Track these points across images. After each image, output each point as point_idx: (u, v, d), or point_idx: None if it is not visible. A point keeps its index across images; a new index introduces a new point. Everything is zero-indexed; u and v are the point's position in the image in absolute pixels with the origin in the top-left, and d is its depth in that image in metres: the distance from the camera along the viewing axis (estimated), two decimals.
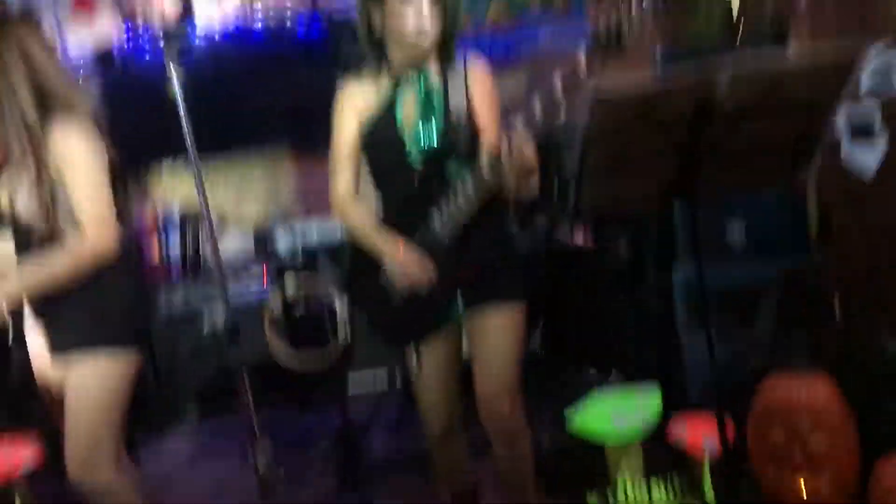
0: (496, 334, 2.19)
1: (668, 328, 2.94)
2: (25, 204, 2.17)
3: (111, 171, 2.25)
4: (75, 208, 2.16)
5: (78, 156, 2.15)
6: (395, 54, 2.15)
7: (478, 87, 2.16)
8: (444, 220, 2.09)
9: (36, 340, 2.38)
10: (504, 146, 1.92)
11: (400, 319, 2.21)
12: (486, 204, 2.07)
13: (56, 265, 2.17)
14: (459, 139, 2.08)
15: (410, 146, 2.13)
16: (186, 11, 3.89)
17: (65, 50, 3.77)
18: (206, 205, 2.77)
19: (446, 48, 2.15)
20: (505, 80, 4.48)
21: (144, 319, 2.36)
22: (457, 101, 2.11)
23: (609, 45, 1.82)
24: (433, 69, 2.16)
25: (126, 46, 4.14)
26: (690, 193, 1.87)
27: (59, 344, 2.25)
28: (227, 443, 3.94)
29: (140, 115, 4.72)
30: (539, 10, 4.43)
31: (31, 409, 3.50)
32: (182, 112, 2.62)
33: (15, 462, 2.88)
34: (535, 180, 2.03)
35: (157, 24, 3.87)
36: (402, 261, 2.12)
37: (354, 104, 2.20)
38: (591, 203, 1.84)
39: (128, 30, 4.00)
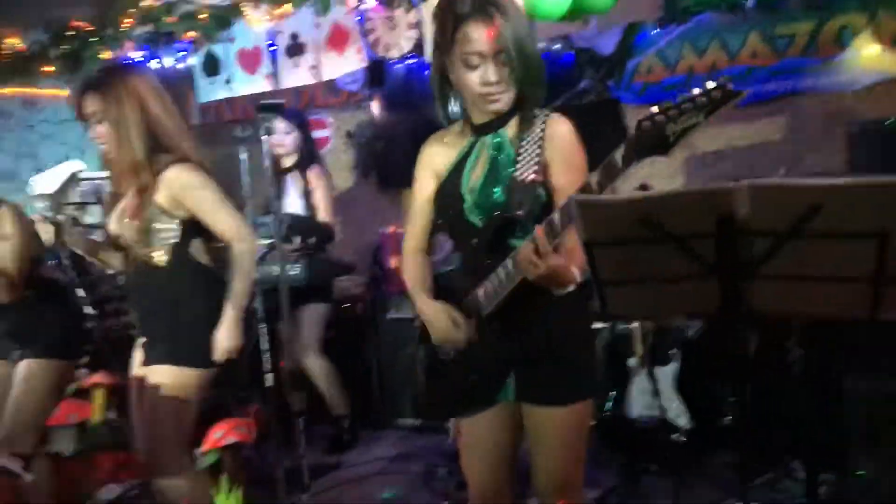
0: (551, 435, 2.05)
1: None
2: (123, 227, 2.59)
3: None
4: (211, 227, 2.57)
5: (195, 186, 2.54)
6: (472, 113, 2.09)
7: (556, 149, 2.00)
8: (489, 289, 2.00)
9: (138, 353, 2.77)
10: (524, 249, 1.83)
11: (445, 389, 2.15)
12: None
13: (241, 275, 2.58)
14: (522, 204, 1.95)
15: (471, 206, 2.05)
16: (419, 46, 4.08)
17: (321, 74, 4.18)
18: None
19: (524, 108, 2.04)
20: (758, 121, 4.12)
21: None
22: (528, 163, 1.98)
23: (648, 148, 1.62)
24: (511, 129, 2.05)
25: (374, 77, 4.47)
26: (742, 313, 1.61)
27: (146, 359, 2.65)
28: (424, 454, 4.15)
29: (394, 134, 5.07)
30: (802, 49, 3.93)
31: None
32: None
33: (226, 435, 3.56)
34: (565, 279, 1.87)
35: (395, 57, 4.13)
36: (436, 330, 2.06)
37: (432, 161, 2.17)
38: (617, 310, 1.67)
39: (371, 60, 4.32)
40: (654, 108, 1.62)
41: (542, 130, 2.01)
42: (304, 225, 4.05)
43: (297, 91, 5.32)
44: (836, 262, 1.47)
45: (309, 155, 4.36)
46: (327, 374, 4.33)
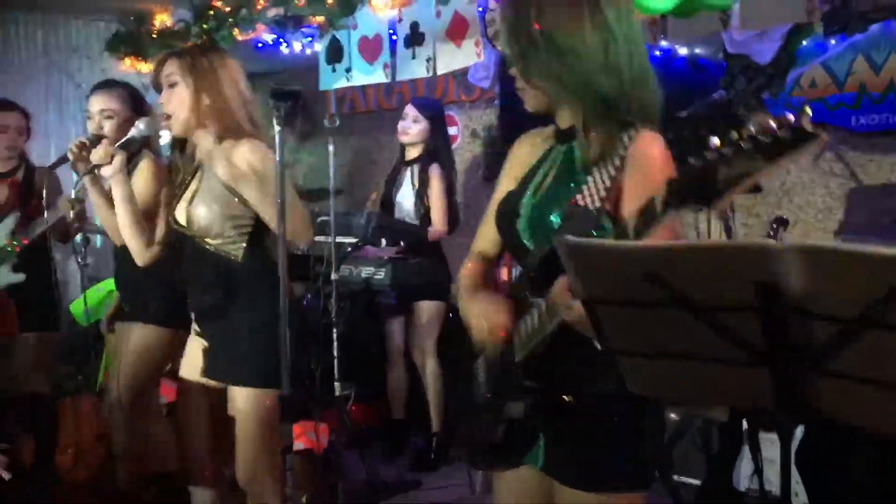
0: None
1: None
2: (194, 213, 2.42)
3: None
4: (260, 213, 2.35)
5: (253, 169, 2.32)
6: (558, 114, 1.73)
7: (636, 173, 1.58)
8: (522, 331, 1.62)
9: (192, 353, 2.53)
10: (559, 284, 1.45)
11: (475, 436, 1.80)
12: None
13: None
14: (580, 235, 1.56)
15: (525, 225, 1.70)
16: None
17: (435, 67, 3.92)
18: None
19: (604, 119, 1.63)
20: None
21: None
22: (597, 187, 1.58)
23: (692, 195, 1.20)
24: (594, 139, 1.64)
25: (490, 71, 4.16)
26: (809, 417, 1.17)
27: (213, 371, 2.41)
28: None
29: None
30: None
31: None
32: None
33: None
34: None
35: None
36: (475, 328, 1.72)
37: (516, 161, 1.83)
38: (637, 388, 1.26)
39: (490, 54, 4.01)
40: (715, 141, 1.19)
41: (625, 149, 1.60)
42: (394, 227, 3.78)
43: (430, 84, 5.10)
44: None
45: (435, 150, 4.10)
46: (437, 381, 4.01)
